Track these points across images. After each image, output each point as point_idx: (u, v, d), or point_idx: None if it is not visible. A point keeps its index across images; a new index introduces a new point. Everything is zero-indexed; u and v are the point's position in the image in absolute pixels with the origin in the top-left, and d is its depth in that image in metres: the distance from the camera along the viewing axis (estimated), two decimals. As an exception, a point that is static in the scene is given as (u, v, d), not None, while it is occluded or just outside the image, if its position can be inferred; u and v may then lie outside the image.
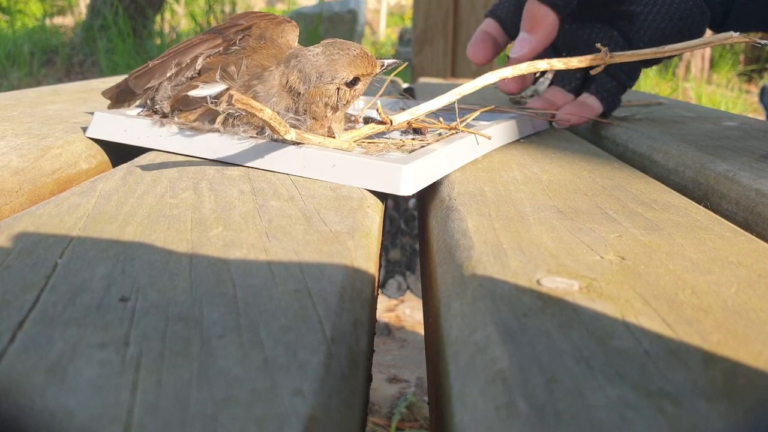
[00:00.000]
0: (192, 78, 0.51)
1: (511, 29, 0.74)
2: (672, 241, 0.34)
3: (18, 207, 0.43)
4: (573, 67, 0.56)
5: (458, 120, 0.54)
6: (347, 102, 0.50)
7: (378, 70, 0.50)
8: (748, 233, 0.36)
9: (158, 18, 4.28)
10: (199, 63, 0.51)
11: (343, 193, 0.42)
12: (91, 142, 0.53)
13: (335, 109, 0.49)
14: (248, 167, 0.47)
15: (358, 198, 0.41)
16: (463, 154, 0.51)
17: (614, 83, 0.70)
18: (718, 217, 0.40)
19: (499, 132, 0.60)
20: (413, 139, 0.55)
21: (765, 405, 0.20)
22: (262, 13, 0.54)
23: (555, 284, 0.28)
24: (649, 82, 3.67)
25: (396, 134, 0.58)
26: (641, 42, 0.69)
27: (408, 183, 0.43)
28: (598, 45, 0.56)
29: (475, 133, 0.53)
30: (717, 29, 0.70)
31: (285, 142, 0.46)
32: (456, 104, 0.53)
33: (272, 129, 0.42)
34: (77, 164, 0.50)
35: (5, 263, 0.28)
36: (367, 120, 0.57)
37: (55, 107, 0.65)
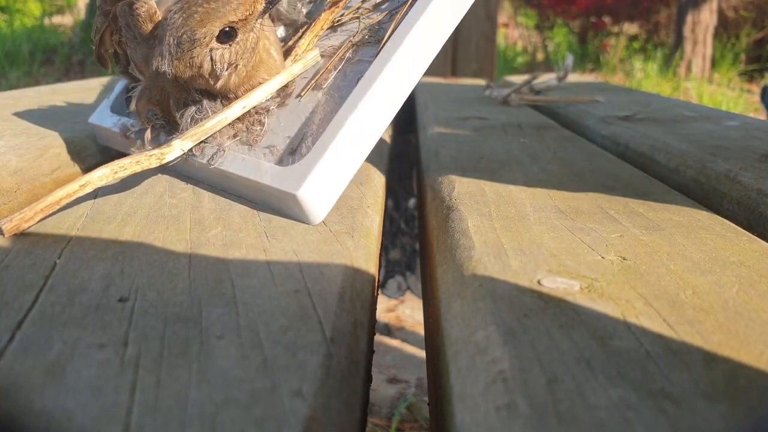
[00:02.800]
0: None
1: None
2: (673, 241, 0.34)
3: (17, 207, 0.43)
4: None
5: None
6: (233, 64, 0.37)
7: (261, 6, 0.37)
8: (750, 233, 0.36)
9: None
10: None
11: (342, 192, 0.42)
12: (90, 141, 0.53)
13: (218, 78, 0.37)
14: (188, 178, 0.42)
15: (357, 197, 0.41)
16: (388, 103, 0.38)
17: None
18: (720, 217, 0.40)
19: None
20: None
21: (766, 405, 0.20)
22: None
23: (556, 284, 0.27)
24: (650, 82, 3.66)
25: None
26: None
27: (316, 209, 0.36)
28: None
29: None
30: None
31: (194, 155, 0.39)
32: None
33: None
34: (76, 164, 0.50)
35: (4, 263, 0.28)
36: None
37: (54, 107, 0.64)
